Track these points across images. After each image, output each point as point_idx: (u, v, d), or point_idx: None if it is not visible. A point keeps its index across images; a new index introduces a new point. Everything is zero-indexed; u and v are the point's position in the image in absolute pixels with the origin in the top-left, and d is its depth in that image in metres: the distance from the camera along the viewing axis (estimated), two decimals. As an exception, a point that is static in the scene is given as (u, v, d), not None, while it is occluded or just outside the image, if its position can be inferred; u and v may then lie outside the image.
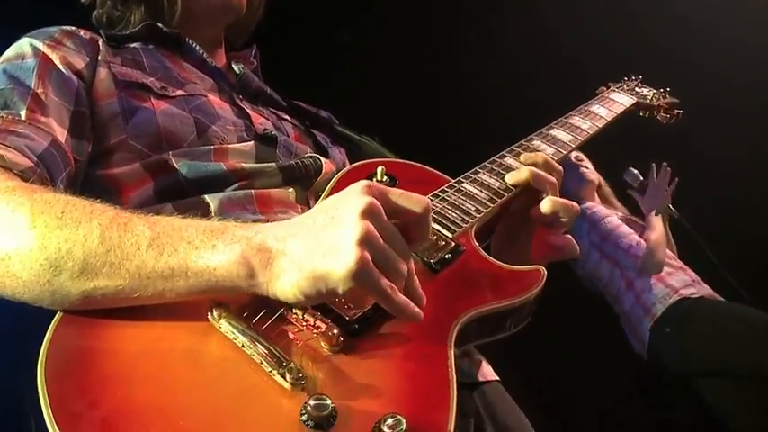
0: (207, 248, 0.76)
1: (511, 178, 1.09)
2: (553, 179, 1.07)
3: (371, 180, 1.08)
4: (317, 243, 0.74)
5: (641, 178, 3.50)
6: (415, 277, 0.82)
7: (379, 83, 3.66)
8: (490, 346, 0.97)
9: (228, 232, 0.78)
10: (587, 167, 3.54)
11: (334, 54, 3.77)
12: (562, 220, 1.03)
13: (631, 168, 3.54)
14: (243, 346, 0.78)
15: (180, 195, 1.01)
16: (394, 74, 3.70)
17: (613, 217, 3.34)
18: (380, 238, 0.74)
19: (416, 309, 0.78)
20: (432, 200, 1.04)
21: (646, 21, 3.83)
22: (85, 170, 1.03)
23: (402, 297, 0.76)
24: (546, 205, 1.03)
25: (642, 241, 3.14)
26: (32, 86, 1.00)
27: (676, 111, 1.80)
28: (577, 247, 1.08)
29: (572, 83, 1.74)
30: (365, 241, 0.72)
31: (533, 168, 1.09)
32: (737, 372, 2.87)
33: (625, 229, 3.26)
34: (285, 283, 0.75)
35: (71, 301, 0.78)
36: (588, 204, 3.44)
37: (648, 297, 3.15)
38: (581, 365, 3.79)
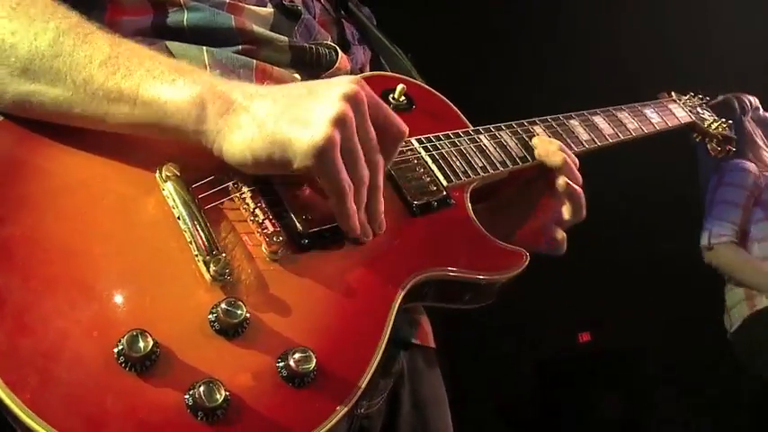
0: (165, 81, 0.69)
1: (540, 146, 1.00)
2: (578, 175, 0.99)
3: (388, 96, 0.98)
4: (288, 108, 0.67)
5: None
6: (381, 198, 0.74)
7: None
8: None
9: (195, 73, 0.71)
10: None
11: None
12: (567, 217, 0.97)
13: None
14: (179, 218, 0.69)
15: (178, 38, 0.90)
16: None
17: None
18: (355, 128, 0.67)
19: (357, 224, 0.71)
20: (441, 140, 0.94)
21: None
22: None
23: (353, 204, 0.69)
24: (564, 190, 0.96)
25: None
26: None
27: (728, 147, 1.68)
28: (564, 249, 1.00)
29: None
30: (340, 121, 0.65)
31: (564, 150, 0.99)
32: None
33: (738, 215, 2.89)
34: (237, 138, 0.67)
35: (4, 100, 0.70)
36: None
37: None
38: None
